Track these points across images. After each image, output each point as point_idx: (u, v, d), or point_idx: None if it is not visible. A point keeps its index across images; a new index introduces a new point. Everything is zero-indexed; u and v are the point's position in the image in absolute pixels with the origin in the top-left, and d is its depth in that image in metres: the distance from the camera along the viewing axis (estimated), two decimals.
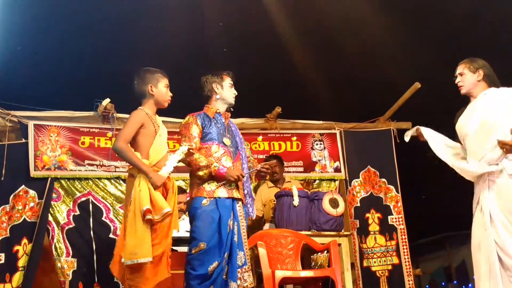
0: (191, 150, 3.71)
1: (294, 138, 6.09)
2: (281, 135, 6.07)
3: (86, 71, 5.60)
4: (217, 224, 3.67)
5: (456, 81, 3.88)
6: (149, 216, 3.36)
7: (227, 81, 4.02)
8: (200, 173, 3.73)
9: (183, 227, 4.98)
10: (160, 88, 3.75)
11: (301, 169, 6.00)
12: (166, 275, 3.50)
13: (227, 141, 3.94)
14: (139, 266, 3.34)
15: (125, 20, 5.13)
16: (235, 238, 3.70)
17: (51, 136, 5.32)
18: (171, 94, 3.83)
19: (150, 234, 3.39)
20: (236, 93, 4.05)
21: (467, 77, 3.82)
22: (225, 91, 4.00)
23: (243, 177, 3.81)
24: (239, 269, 3.69)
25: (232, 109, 4.15)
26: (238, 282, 3.66)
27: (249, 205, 3.98)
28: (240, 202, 3.86)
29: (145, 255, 3.30)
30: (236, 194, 3.84)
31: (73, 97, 5.75)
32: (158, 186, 3.51)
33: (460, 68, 3.86)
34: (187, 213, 5.34)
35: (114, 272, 3.51)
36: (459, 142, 3.90)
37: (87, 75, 5.62)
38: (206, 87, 4.00)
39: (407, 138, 4.01)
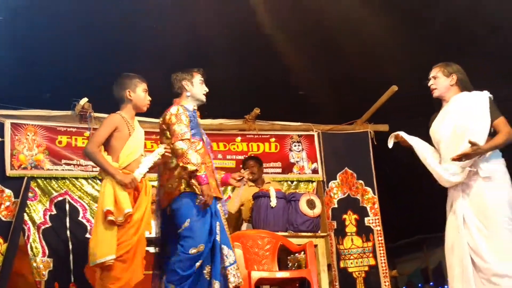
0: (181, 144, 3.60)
1: (273, 140, 6.12)
2: (260, 136, 6.10)
3: (64, 70, 5.55)
4: (209, 225, 3.66)
5: (429, 84, 3.93)
6: (110, 217, 3.40)
7: (197, 78, 3.97)
8: (190, 167, 3.56)
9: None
10: (138, 93, 3.80)
11: (279, 170, 6.04)
12: (140, 277, 3.51)
13: (205, 139, 3.95)
14: (107, 266, 3.37)
15: (106, 20, 5.09)
16: (218, 238, 3.68)
17: (28, 135, 5.27)
18: (149, 98, 3.88)
19: (115, 233, 3.43)
20: (207, 90, 4.01)
21: (441, 81, 3.87)
22: (195, 88, 3.95)
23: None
24: (230, 267, 3.66)
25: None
26: (233, 279, 3.63)
27: (224, 203, 4.00)
28: (219, 201, 3.87)
29: (104, 254, 3.34)
30: (219, 194, 3.86)
31: (51, 96, 5.71)
32: (129, 187, 3.52)
33: (434, 72, 3.92)
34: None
35: (87, 274, 3.55)
36: (434, 146, 3.96)
37: (65, 74, 5.57)
38: (176, 84, 3.96)
39: (390, 144, 4.03)
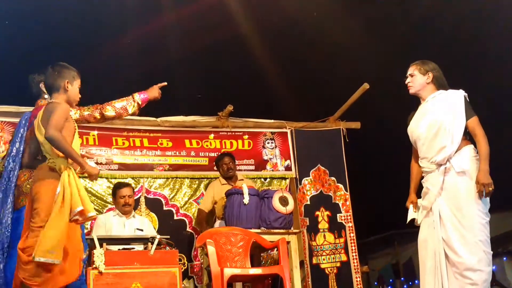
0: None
1: (246, 137, 6.11)
2: (233, 133, 6.08)
3: (33, 65, 5.44)
4: None
5: (406, 82, 3.99)
6: (77, 217, 3.21)
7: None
8: None
9: (133, 225, 4.93)
10: (75, 87, 3.61)
11: (253, 167, 6.04)
12: (75, 278, 3.30)
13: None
14: (50, 267, 3.13)
15: (72, 15, 5.01)
16: None
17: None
18: (80, 96, 3.68)
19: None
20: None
21: (417, 79, 3.93)
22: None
23: None
24: None
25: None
26: None
27: None
28: None
29: (60, 256, 3.12)
30: None
31: (19, 92, 5.58)
32: (95, 179, 3.45)
33: (411, 69, 3.98)
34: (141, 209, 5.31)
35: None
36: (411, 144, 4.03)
37: (34, 69, 5.46)
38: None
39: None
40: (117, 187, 5.08)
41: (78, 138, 3.54)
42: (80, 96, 3.67)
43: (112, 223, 4.87)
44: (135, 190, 5.34)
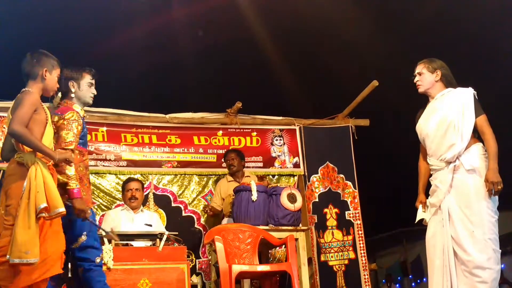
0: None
1: (254, 134, 6.11)
2: (241, 130, 6.08)
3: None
4: None
5: (415, 80, 3.98)
6: (42, 214, 3.09)
7: (87, 79, 3.70)
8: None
9: (142, 220, 4.94)
10: (54, 76, 3.45)
11: (261, 164, 6.03)
12: (59, 271, 3.21)
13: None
14: (27, 268, 3.03)
15: (78, 12, 5.03)
16: None
17: (4, 128, 5.18)
18: (58, 86, 3.54)
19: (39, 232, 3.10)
20: (95, 93, 3.73)
21: (426, 77, 3.92)
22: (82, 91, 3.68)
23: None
24: None
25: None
26: None
27: None
28: None
29: (36, 255, 3.01)
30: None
31: (20, 87, 5.60)
32: (70, 164, 3.33)
33: (419, 68, 3.96)
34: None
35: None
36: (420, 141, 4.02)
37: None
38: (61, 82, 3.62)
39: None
40: (126, 181, 5.11)
41: (51, 129, 3.38)
42: (58, 86, 3.52)
43: (120, 218, 4.89)
44: (144, 186, 5.36)
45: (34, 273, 3.07)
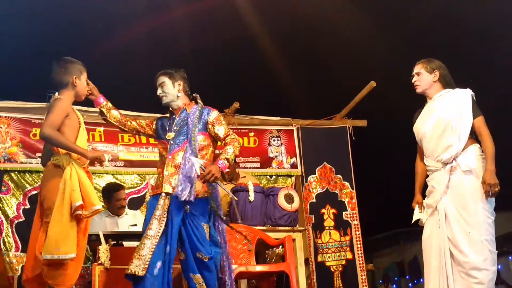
0: None
1: (252, 134, 6.11)
2: (239, 130, 6.06)
3: (40, 61, 5.46)
4: None
5: (413, 80, 3.98)
6: (79, 212, 3.19)
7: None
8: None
9: (127, 222, 4.93)
10: (83, 81, 3.58)
11: (258, 164, 6.03)
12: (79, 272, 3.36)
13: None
14: (60, 263, 3.14)
15: (82, 11, 5.03)
16: None
17: (1, 127, 5.16)
18: (90, 87, 3.67)
19: (76, 229, 3.22)
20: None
21: (424, 77, 3.92)
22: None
23: None
24: None
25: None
26: None
27: None
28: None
29: (69, 251, 3.12)
30: None
31: (26, 88, 5.60)
32: (100, 161, 3.42)
33: (417, 68, 3.96)
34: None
35: (27, 272, 3.26)
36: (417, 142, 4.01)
37: (41, 65, 5.48)
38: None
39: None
40: (115, 189, 5.06)
41: (84, 133, 3.55)
42: (89, 88, 3.65)
43: (105, 223, 4.87)
44: (141, 187, 5.37)
45: (76, 270, 3.23)
